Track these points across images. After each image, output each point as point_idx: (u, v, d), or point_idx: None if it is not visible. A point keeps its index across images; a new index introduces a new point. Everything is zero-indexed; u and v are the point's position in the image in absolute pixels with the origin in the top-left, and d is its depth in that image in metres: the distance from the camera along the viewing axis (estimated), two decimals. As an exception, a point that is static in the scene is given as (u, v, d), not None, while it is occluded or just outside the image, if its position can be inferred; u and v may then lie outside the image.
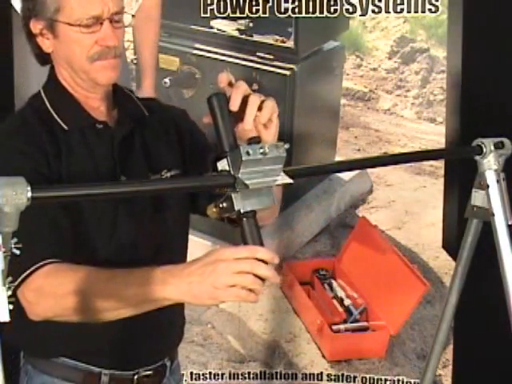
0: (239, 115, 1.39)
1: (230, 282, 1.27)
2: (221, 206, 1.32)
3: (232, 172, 1.31)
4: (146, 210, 1.64)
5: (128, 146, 1.65)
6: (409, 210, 2.92)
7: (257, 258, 1.28)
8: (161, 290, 1.34)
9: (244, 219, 1.33)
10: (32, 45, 1.64)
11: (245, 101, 1.38)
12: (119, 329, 1.57)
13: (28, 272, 1.45)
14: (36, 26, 1.60)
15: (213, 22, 2.83)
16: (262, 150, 1.31)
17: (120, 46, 1.60)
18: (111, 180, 1.59)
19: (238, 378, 2.92)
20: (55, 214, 1.51)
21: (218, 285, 1.27)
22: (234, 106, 1.37)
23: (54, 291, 1.45)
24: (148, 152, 1.68)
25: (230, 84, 1.40)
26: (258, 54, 2.84)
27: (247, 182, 1.30)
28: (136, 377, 1.68)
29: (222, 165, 1.32)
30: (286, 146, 1.35)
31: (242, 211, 1.32)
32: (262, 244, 1.33)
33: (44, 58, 1.65)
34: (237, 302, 1.33)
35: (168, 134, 1.72)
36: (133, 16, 1.63)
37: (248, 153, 1.30)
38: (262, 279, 1.29)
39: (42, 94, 1.65)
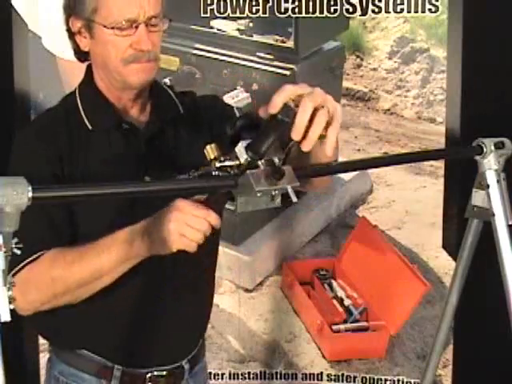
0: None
1: (182, 231, 1.39)
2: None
3: (238, 183, 1.30)
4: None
5: (157, 146, 1.65)
6: (409, 210, 2.92)
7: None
8: (129, 251, 1.46)
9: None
10: (71, 42, 1.65)
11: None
12: (134, 327, 1.60)
13: (17, 269, 1.49)
14: (75, 24, 1.61)
15: (213, 22, 2.83)
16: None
17: (155, 51, 1.60)
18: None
19: (237, 378, 2.92)
20: (52, 212, 1.55)
21: (171, 229, 1.39)
22: (297, 135, 1.27)
23: (34, 282, 1.51)
24: (178, 151, 1.68)
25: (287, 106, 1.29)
26: (257, 54, 2.84)
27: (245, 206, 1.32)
28: (149, 375, 1.69)
29: (239, 150, 1.30)
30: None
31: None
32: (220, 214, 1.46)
33: (83, 56, 1.67)
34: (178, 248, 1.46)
35: (200, 130, 1.71)
36: (170, 20, 1.62)
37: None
38: None
39: (77, 91, 1.67)
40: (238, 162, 1.30)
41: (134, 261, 1.49)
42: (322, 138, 1.30)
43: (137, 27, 1.56)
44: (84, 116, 1.63)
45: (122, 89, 1.62)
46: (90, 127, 1.61)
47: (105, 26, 1.55)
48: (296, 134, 1.27)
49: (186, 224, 1.39)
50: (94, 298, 1.56)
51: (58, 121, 1.62)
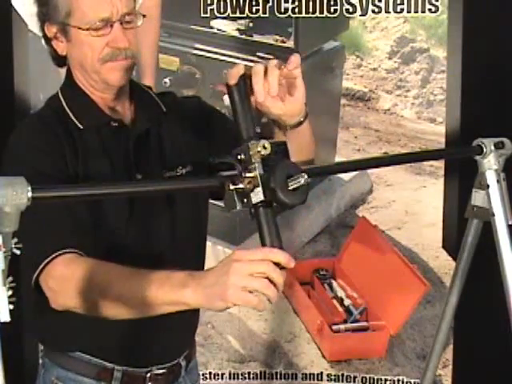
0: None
1: (242, 283, 1.23)
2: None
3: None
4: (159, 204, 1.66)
5: (144, 143, 1.66)
6: (409, 210, 2.92)
7: (273, 261, 1.28)
8: (179, 293, 1.29)
9: (260, 209, 1.27)
10: (49, 48, 1.67)
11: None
12: (133, 327, 1.59)
13: (49, 259, 1.44)
14: (50, 30, 1.63)
15: (213, 22, 2.83)
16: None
17: (132, 48, 1.61)
18: (127, 178, 1.61)
19: (238, 378, 2.92)
20: (74, 204, 1.52)
21: (229, 284, 1.23)
22: (259, 95, 1.38)
23: (76, 280, 1.41)
24: (164, 149, 1.69)
25: (244, 76, 1.39)
26: (257, 54, 2.84)
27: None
28: (149, 374, 1.70)
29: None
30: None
31: (253, 202, 1.26)
32: (279, 240, 1.32)
33: (61, 61, 1.68)
34: (246, 307, 1.29)
35: (184, 129, 1.72)
36: (144, 16, 1.63)
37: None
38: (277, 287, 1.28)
39: (60, 94, 1.68)
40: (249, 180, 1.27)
41: (177, 307, 1.32)
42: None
43: (112, 26, 1.57)
44: (73, 116, 1.63)
45: (103, 89, 1.64)
46: (80, 127, 1.62)
47: (80, 28, 1.57)
48: (259, 95, 1.38)
49: (246, 274, 1.23)
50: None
51: (52, 121, 1.62)
